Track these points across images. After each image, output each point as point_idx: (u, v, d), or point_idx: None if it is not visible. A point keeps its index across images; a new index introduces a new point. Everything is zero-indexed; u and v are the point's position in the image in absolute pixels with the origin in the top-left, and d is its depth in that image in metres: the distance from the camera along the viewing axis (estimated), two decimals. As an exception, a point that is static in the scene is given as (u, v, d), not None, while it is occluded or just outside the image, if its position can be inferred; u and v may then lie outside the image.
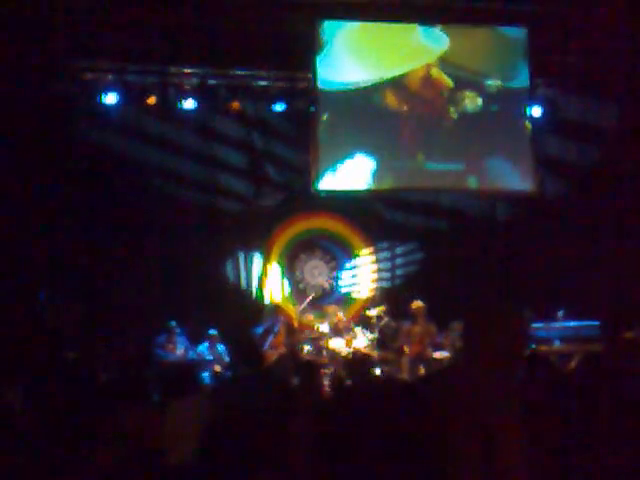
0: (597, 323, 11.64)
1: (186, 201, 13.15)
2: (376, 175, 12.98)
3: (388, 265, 13.83)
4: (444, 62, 13.11)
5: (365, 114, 13.01)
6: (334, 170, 12.88)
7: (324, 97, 12.90)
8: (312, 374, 6.32)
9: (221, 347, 11.99)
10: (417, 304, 12.11)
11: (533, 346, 11.33)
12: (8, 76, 11.39)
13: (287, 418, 5.39)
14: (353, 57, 13.01)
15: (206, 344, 12.01)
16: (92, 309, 12.18)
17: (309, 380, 6.10)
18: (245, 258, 13.34)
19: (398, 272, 13.80)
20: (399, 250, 13.89)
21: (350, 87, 12.90)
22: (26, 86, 11.64)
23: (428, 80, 13.11)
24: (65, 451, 5.64)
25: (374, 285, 13.59)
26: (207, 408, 5.72)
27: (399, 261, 13.84)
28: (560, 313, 12.16)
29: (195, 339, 12.15)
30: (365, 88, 12.92)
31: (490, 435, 5.19)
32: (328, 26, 12.92)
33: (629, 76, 12.91)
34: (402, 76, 13.05)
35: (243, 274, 13.30)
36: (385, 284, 13.71)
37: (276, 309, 12.88)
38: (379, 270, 13.76)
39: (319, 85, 12.85)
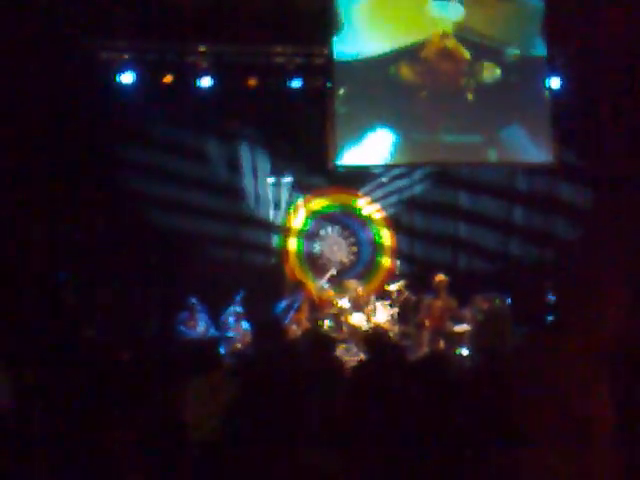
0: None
1: (205, 179, 13.29)
2: (396, 149, 13.04)
3: (408, 239, 13.87)
4: (460, 33, 13.08)
5: (382, 86, 13.03)
6: (354, 145, 12.96)
7: (340, 71, 12.94)
8: (328, 350, 6.36)
9: (245, 323, 12.12)
10: (440, 277, 12.20)
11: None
12: (23, 56, 11.45)
13: (308, 395, 5.43)
14: (368, 30, 13.03)
15: (231, 319, 12.16)
16: (113, 287, 12.34)
17: (325, 357, 6.13)
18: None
19: (418, 246, 13.86)
20: (419, 224, 13.96)
21: (366, 59, 12.93)
22: (41, 66, 11.71)
23: (444, 51, 13.08)
24: (87, 431, 5.74)
25: (393, 260, 13.66)
26: (228, 385, 5.80)
27: (419, 236, 13.90)
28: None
29: (217, 316, 12.28)
30: (380, 60, 12.93)
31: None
32: (343, 1, 12.97)
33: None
34: (417, 46, 13.02)
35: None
36: (405, 258, 13.78)
37: (297, 285, 13.02)
38: (399, 244, 13.82)
39: (335, 59, 12.91)
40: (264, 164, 13.42)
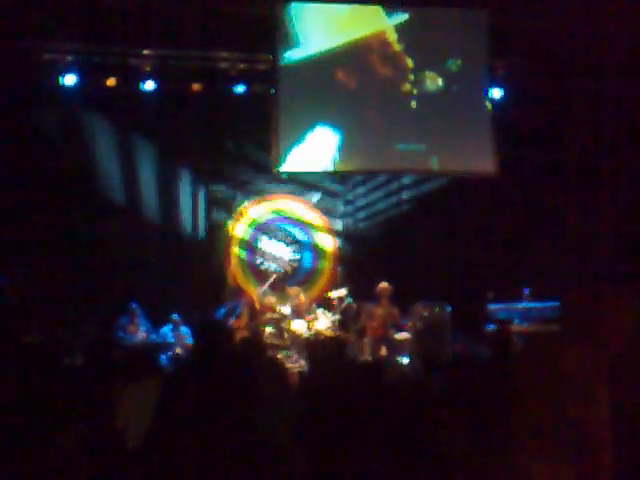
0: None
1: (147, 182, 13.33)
2: (340, 155, 13.21)
3: (351, 247, 14.05)
4: (404, 40, 13.28)
5: (324, 90, 13.20)
6: (296, 147, 13.09)
7: (283, 74, 13.05)
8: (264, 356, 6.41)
9: (185, 329, 12.14)
10: (383, 285, 12.34)
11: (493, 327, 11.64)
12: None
13: (248, 403, 5.45)
14: (312, 33, 13.15)
15: (170, 326, 12.23)
16: (54, 290, 12.29)
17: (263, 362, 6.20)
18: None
19: (361, 253, 14.03)
20: (362, 230, 14.15)
21: (309, 59, 13.05)
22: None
23: (387, 57, 13.26)
24: (27, 436, 5.76)
25: (335, 267, 13.82)
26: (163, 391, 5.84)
27: (362, 242, 14.07)
28: (526, 292, 12.43)
29: (158, 321, 12.35)
30: (321, 59, 13.07)
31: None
32: (291, 7, 13.12)
33: (588, 53, 13.21)
34: (357, 49, 13.22)
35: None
36: (347, 266, 13.95)
37: (238, 291, 13.12)
38: (341, 251, 13.99)
39: (279, 64, 13.04)
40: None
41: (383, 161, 13.54)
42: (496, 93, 13.82)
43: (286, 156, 13.08)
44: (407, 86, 13.34)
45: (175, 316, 12.20)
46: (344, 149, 13.25)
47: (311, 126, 13.11)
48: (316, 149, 13.18)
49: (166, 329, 12.19)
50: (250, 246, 13.68)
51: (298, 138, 13.09)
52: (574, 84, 13.48)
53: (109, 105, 12.97)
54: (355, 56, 13.23)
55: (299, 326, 12.15)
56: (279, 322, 12.20)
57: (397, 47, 13.27)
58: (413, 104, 13.35)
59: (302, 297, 12.65)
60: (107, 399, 6.12)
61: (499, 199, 13.72)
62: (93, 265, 12.68)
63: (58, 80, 12.73)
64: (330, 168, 13.36)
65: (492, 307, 12.11)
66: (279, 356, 11.03)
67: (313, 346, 10.80)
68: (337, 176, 13.90)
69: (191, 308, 12.46)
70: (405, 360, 11.66)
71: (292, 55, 13.02)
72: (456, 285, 13.10)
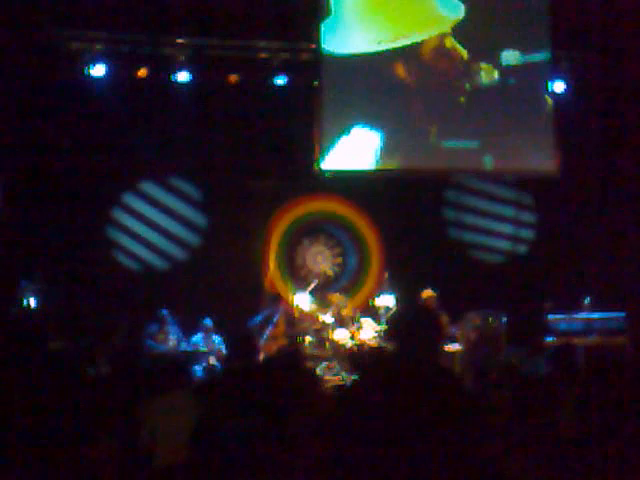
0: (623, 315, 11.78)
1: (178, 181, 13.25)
2: (384, 152, 13.05)
3: (398, 251, 13.85)
4: (459, 31, 13.12)
5: (372, 85, 13.02)
6: (337, 147, 12.94)
7: (328, 69, 12.93)
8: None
9: (217, 338, 12.09)
10: (427, 293, 12.17)
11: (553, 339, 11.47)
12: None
13: (285, 418, 5.37)
14: (360, 25, 13.02)
15: (201, 334, 12.13)
16: (78, 297, 12.27)
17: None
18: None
19: (410, 258, 13.82)
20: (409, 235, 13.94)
21: (357, 57, 12.93)
22: (8, 57, 11.64)
23: (441, 50, 13.11)
24: (50, 450, 5.70)
25: (382, 272, 13.64)
26: (197, 404, 5.77)
27: (410, 247, 13.87)
28: (586, 301, 12.22)
29: (189, 329, 12.27)
30: (373, 57, 12.93)
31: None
32: (333, -7, 13.00)
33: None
34: (414, 46, 13.07)
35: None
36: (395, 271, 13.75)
37: (276, 297, 12.99)
38: (388, 256, 13.79)
39: (323, 56, 12.91)
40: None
41: (428, 159, 13.33)
42: (558, 87, 13.59)
43: (327, 153, 12.94)
44: (460, 79, 13.15)
45: (207, 321, 12.14)
46: (387, 147, 13.07)
47: (355, 122, 12.97)
48: (359, 146, 13.00)
49: (198, 337, 12.10)
50: (290, 249, 13.57)
51: (341, 134, 12.95)
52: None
53: (140, 98, 12.86)
54: (409, 51, 13.05)
55: (342, 336, 11.99)
56: (320, 331, 12.08)
57: (452, 39, 13.10)
58: (465, 98, 13.16)
59: (345, 304, 12.49)
60: (134, 412, 6.05)
61: (559, 201, 13.49)
62: (121, 268, 12.65)
63: (86, 71, 12.66)
64: (372, 166, 13.19)
65: (552, 318, 11.92)
66: (320, 368, 10.92)
67: (356, 357, 10.71)
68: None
69: (224, 315, 12.33)
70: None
71: (336, 46, 12.88)
72: (512, 293, 12.91)
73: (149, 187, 13.15)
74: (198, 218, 13.25)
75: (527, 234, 13.92)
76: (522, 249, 13.86)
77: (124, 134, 12.77)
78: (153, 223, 13.13)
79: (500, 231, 14.05)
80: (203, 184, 13.29)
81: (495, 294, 12.80)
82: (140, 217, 13.06)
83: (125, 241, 12.96)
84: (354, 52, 12.92)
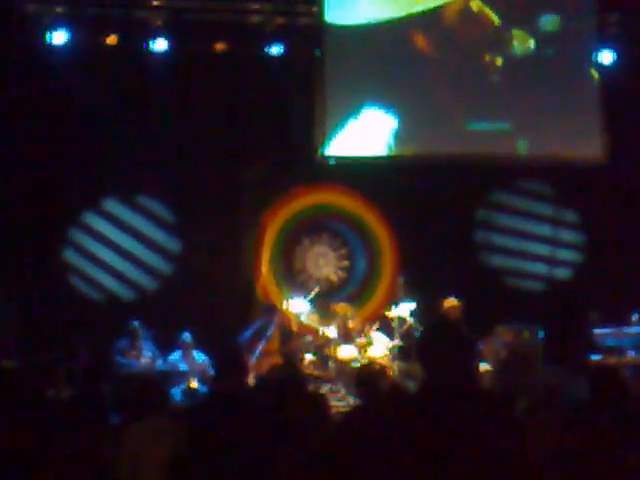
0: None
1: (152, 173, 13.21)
2: (398, 136, 13.00)
3: (414, 252, 13.79)
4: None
5: (385, 58, 13.05)
6: (343, 130, 12.92)
7: (332, 37, 12.93)
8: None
9: (199, 355, 12.04)
10: (450, 302, 12.10)
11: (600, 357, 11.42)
12: None
13: (277, 448, 5.34)
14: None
15: (179, 351, 12.08)
16: (35, 308, 12.25)
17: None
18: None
19: (428, 260, 13.75)
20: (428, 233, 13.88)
21: (367, 25, 12.89)
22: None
23: (467, 15, 13.14)
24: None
25: (395, 278, 13.58)
26: (176, 432, 5.72)
27: (428, 247, 13.81)
28: (635, 317, 12.18)
29: (166, 345, 12.23)
30: (386, 26, 12.92)
31: None
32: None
33: None
34: (435, 10, 13.02)
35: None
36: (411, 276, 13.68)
37: (269, 308, 12.92)
38: (403, 258, 13.72)
39: (326, 22, 12.85)
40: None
41: (452, 144, 13.32)
42: (605, 57, 13.62)
43: (332, 137, 12.88)
44: (490, 50, 13.11)
45: (187, 336, 12.07)
46: (402, 130, 13.17)
47: (364, 101, 13.03)
48: (368, 129, 13.14)
49: (176, 355, 12.10)
50: (287, 250, 13.50)
51: (347, 114, 12.95)
52: None
53: (108, 70, 12.80)
54: (429, 18, 13.01)
55: (348, 353, 11.95)
56: (322, 348, 12.10)
57: (479, 2, 13.08)
58: (495, 72, 13.15)
59: (352, 316, 12.41)
60: (97, 441, 6.02)
61: (606, 197, 13.44)
62: (85, 274, 12.66)
63: (44, 38, 12.60)
64: (384, 153, 13.13)
65: (597, 332, 11.87)
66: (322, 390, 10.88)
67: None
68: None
69: (207, 329, 12.26)
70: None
71: (341, 13, 12.85)
72: (550, 302, 12.86)
73: (121, 182, 13.21)
74: (175, 214, 13.17)
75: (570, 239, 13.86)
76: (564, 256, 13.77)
77: (89, 115, 12.69)
78: (125, 225, 13.22)
79: (539, 234, 13.93)
80: (184, 172, 13.20)
81: (530, 304, 12.73)
82: (113, 219, 13.20)
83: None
84: (362, 17, 12.87)
